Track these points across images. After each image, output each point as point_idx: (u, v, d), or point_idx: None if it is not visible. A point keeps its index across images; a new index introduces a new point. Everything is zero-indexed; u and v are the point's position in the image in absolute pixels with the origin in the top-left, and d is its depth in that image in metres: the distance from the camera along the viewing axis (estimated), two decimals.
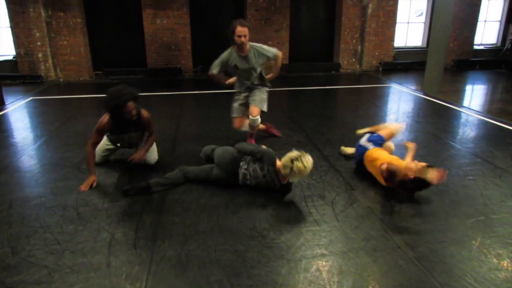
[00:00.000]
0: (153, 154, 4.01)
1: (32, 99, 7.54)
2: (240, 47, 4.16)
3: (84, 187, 3.46)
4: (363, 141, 3.86)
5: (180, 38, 9.83)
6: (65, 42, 9.39)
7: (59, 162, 4.16)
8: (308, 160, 3.07)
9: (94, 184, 3.52)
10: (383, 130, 4.02)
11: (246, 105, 4.53)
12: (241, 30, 3.98)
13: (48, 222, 2.90)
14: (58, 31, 9.30)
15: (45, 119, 6.15)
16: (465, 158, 4.26)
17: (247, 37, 4.05)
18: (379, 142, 3.82)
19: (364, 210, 3.11)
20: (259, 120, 4.44)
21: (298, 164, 3.03)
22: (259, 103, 4.41)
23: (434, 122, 5.79)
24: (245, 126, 4.63)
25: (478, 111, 6.44)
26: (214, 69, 4.38)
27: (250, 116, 4.40)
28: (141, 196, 3.31)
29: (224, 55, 4.34)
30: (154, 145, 4.04)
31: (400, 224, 2.89)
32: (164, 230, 2.80)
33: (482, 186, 3.56)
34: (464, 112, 6.42)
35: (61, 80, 9.67)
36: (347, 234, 2.77)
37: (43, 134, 5.21)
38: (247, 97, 4.52)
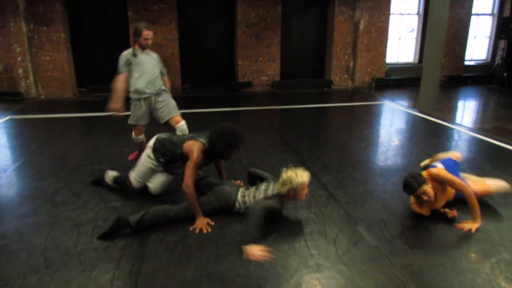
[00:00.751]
0: (156, 180, 3.60)
1: (10, 118, 7.11)
2: (144, 48, 4.22)
3: (204, 230, 3.02)
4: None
5: (168, 54, 9.53)
6: (48, 58, 9.01)
7: (31, 193, 3.76)
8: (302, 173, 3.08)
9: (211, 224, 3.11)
10: (476, 183, 3.50)
11: (150, 112, 4.39)
12: (148, 33, 4.09)
13: (7, 272, 2.50)
14: (40, 46, 8.92)
15: (21, 141, 5.73)
16: None
17: (152, 40, 4.20)
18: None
19: (371, 250, 2.78)
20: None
21: (290, 173, 3.07)
22: (177, 110, 4.48)
23: (433, 142, 5.54)
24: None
25: (478, 130, 6.21)
26: (123, 69, 4.18)
27: (178, 125, 4.35)
28: (119, 236, 2.93)
29: (126, 54, 4.18)
30: (162, 175, 3.62)
31: (412, 268, 2.57)
32: (145, 281, 2.42)
33: (496, 217, 3.26)
34: (463, 132, 6.19)
35: (42, 97, 9.25)
36: (355, 281, 2.43)
37: (16, 159, 4.80)
38: (153, 103, 4.33)
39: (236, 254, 2.71)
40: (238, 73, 10.20)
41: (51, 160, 4.75)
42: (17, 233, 3.01)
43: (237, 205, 3.24)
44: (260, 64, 10.24)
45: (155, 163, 3.41)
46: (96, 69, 9.53)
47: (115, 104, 4.14)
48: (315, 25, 10.68)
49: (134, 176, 3.51)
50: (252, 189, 3.31)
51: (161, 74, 4.45)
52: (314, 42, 10.81)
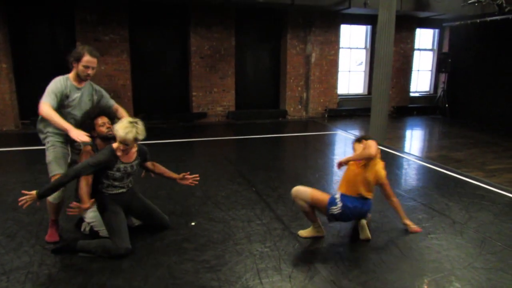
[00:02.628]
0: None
1: None
2: (82, 79, 3.32)
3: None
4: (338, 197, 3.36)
5: (119, 85, 9.29)
6: None
7: None
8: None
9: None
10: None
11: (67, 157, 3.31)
12: (91, 60, 3.21)
13: None
14: None
15: None
16: (422, 212, 4.06)
17: (94, 71, 3.30)
18: None
19: (327, 284, 2.70)
20: None
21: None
22: None
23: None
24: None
25: (425, 159, 6.47)
26: (52, 101, 3.14)
27: None
28: (58, 274, 2.66)
29: (60, 82, 3.27)
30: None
31: None
32: None
33: (446, 246, 3.32)
34: (412, 160, 6.42)
35: None
36: None
37: None
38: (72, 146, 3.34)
39: None
40: (192, 103, 10.12)
41: None
42: None
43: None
44: (215, 95, 10.24)
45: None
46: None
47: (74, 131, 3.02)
48: (268, 57, 10.92)
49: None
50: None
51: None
52: (268, 73, 11.01)
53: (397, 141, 8.10)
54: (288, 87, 10.74)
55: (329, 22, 10.59)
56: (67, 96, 3.26)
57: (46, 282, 2.67)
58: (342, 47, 11.20)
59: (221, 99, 10.31)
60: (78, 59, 3.22)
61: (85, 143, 3.04)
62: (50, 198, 3.16)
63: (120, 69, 9.26)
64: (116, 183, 3.17)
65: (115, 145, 3.07)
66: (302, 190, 3.35)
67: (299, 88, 10.87)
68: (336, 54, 10.92)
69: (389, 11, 7.01)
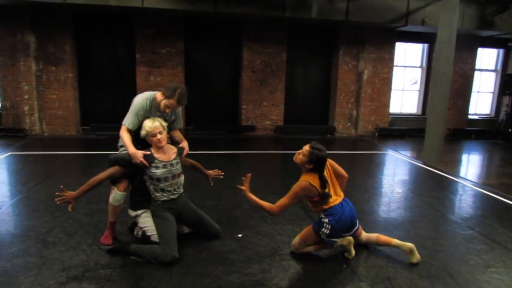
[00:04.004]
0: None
1: (11, 154, 7.08)
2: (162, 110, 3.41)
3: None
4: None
5: None
6: (54, 96, 9.13)
7: (23, 232, 3.62)
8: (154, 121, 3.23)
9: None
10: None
11: None
12: (175, 106, 3.33)
13: None
14: (47, 85, 9.08)
15: (20, 177, 5.65)
16: (481, 243, 3.80)
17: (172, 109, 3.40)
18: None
19: None
20: None
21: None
22: None
23: (439, 196, 5.41)
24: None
25: (483, 185, 6.09)
26: (131, 125, 3.34)
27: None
28: (112, 274, 2.77)
29: (145, 102, 3.40)
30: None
31: None
32: None
33: (508, 282, 3.08)
34: (468, 186, 6.07)
35: (45, 134, 9.28)
36: None
37: (13, 196, 4.70)
38: None
39: None
40: (242, 116, 10.28)
41: (47, 197, 4.64)
42: (5, 274, 2.86)
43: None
44: (264, 109, 10.34)
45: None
46: (101, 109, 9.63)
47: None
48: (319, 73, 10.89)
49: None
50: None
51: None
52: (318, 89, 10.97)
53: (453, 165, 7.71)
54: (338, 103, 10.63)
55: (383, 39, 10.41)
56: (147, 117, 3.38)
57: (100, 282, 2.79)
58: (396, 65, 10.94)
59: (270, 113, 10.40)
60: (168, 97, 3.29)
61: (136, 164, 3.23)
62: (112, 201, 3.33)
63: (175, 81, 9.62)
64: (162, 185, 3.28)
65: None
66: (294, 242, 3.41)
67: (349, 105, 10.72)
68: (390, 72, 10.68)
69: (449, 29, 6.77)
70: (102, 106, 9.61)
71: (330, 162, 3.43)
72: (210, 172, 3.89)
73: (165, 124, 3.30)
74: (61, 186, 3.03)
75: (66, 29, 8.93)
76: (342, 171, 3.56)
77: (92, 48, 9.59)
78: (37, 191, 4.91)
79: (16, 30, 8.62)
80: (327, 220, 3.18)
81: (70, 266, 3.00)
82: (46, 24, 8.79)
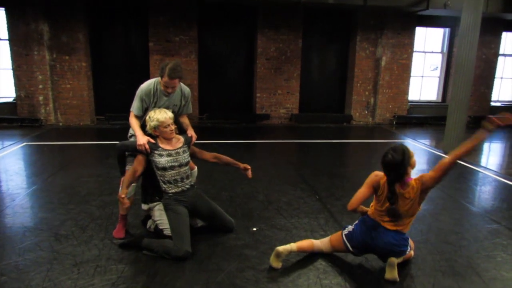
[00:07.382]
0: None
1: (26, 144, 7.11)
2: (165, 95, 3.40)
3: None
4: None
5: (186, 84, 9.51)
6: (68, 86, 9.12)
7: (35, 225, 3.60)
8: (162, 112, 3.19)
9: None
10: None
11: None
12: (169, 82, 3.21)
13: None
14: (61, 75, 9.06)
15: (35, 168, 5.66)
16: (508, 238, 3.62)
17: (175, 89, 3.34)
18: None
19: None
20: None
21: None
22: None
23: (461, 187, 5.20)
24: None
25: (508, 176, 5.84)
26: (138, 110, 3.38)
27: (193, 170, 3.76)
28: (124, 270, 2.71)
29: (150, 86, 3.35)
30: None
31: None
32: None
33: None
34: (490, 176, 5.83)
35: (60, 124, 9.30)
36: None
37: (27, 187, 4.69)
38: None
39: None
40: (256, 105, 10.12)
41: (61, 189, 4.62)
42: (16, 269, 2.82)
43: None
44: (279, 97, 10.16)
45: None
46: (115, 98, 9.58)
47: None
48: (335, 60, 10.62)
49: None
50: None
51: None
52: (334, 76, 10.71)
53: (474, 154, 7.43)
54: (355, 91, 10.36)
55: (403, 24, 10.04)
56: (155, 102, 3.37)
57: (112, 278, 2.73)
58: (416, 51, 10.58)
59: (285, 101, 10.21)
60: (161, 76, 3.26)
61: (140, 151, 3.21)
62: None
63: (188, 69, 9.51)
64: (169, 174, 3.19)
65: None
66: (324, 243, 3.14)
67: (367, 93, 10.44)
68: (409, 58, 10.33)
69: (474, 12, 6.45)
70: (116, 95, 9.57)
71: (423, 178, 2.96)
72: (244, 165, 3.55)
73: (172, 116, 3.25)
74: (122, 196, 3.01)
75: (79, 17, 8.86)
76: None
77: (105, 37, 9.52)
78: (51, 182, 4.89)
79: (30, 19, 8.59)
80: (356, 221, 3.05)
81: (82, 261, 2.95)
82: (60, 13, 8.73)
